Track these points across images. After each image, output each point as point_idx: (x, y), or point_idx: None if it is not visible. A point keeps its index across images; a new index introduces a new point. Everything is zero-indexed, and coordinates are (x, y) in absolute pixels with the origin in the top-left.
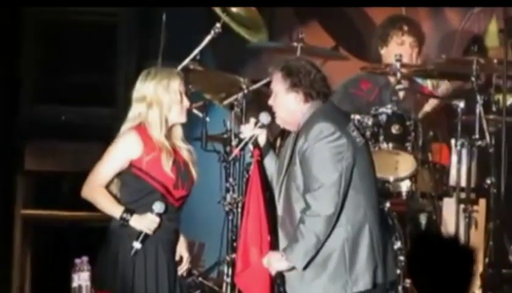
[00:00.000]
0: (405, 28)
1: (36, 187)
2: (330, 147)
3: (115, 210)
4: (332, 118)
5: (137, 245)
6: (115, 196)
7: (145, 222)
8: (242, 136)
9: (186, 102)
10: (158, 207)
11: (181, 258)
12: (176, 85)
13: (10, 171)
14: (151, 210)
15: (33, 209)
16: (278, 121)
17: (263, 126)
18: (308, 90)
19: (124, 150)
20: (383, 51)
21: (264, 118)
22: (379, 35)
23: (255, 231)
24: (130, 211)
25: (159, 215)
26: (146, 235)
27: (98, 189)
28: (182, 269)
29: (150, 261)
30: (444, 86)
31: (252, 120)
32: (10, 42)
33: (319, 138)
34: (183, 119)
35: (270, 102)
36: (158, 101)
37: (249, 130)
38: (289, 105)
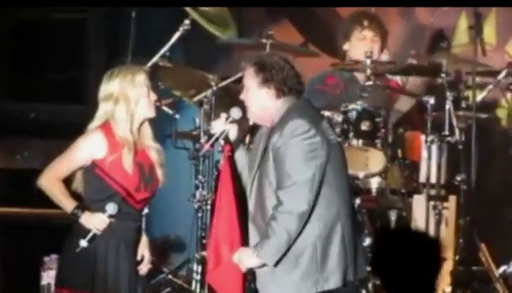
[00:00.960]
0: (366, 23)
1: (5, 185)
2: (305, 144)
3: (67, 204)
4: (307, 115)
5: (83, 243)
6: (74, 193)
7: (95, 221)
8: (212, 131)
9: (153, 96)
10: (111, 208)
11: (143, 257)
12: (141, 78)
13: None
14: (104, 211)
15: (3, 207)
16: (250, 116)
17: (233, 121)
18: (280, 85)
19: (86, 150)
20: (346, 46)
21: (235, 113)
22: (342, 30)
23: (226, 228)
24: (82, 208)
25: (111, 216)
26: (95, 235)
27: (54, 182)
28: (143, 269)
29: (111, 260)
30: (412, 80)
31: (223, 115)
32: None
33: (294, 134)
34: (152, 113)
35: (242, 96)
36: (124, 95)
37: (220, 125)
38: (260, 100)
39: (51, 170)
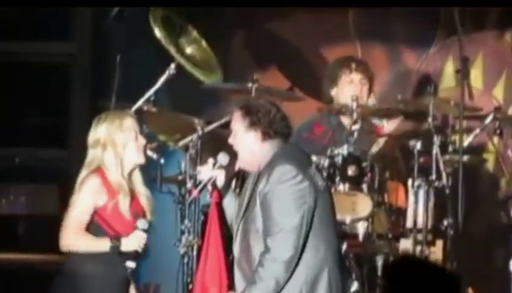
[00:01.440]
0: (353, 65)
1: None
2: (293, 191)
3: (101, 245)
4: (295, 159)
5: (131, 264)
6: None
7: (135, 241)
8: (200, 177)
9: (142, 140)
10: (142, 223)
11: None
12: (128, 123)
13: None
14: (136, 227)
15: None
16: (239, 161)
17: (221, 167)
18: (267, 128)
19: (90, 197)
20: (333, 92)
21: (223, 159)
22: (329, 75)
23: (214, 273)
24: (115, 238)
25: (145, 230)
26: (138, 253)
27: (75, 237)
28: None
29: None
30: (393, 123)
31: (210, 161)
32: None
33: (282, 180)
34: (141, 159)
35: (230, 140)
36: (112, 141)
37: (207, 171)
38: (248, 144)
39: (66, 229)
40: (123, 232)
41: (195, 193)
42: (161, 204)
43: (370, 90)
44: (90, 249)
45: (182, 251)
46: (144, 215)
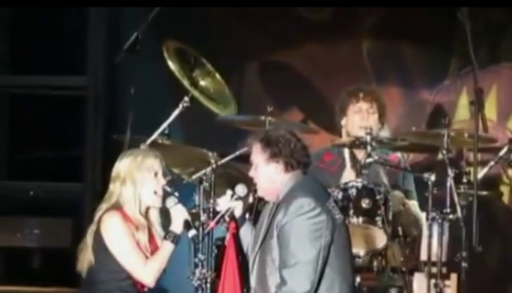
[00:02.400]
0: (361, 95)
1: (4, 263)
2: (310, 223)
3: (165, 249)
4: (313, 192)
5: (192, 232)
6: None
7: (179, 218)
8: (218, 209)
9: (162, 181)
10: (171, 201)
11: None
12: (149, 162)
13: None
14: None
15: (2, 285)
16: (260, 192)
17: (239, 199)
18: (289, 159)
19: (126, 228)
20: (343, 122)
21: (241, 190)
22: (339, 105)
23: None
24: (167, 233)
25: (176, 203)
26: (189, 222)
27: (147, 265)
28: None
29: None
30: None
31: (229, 193)
32: None
33: (299, 213)
34: (156, 203)
35: (251, 173)
36: (131, 177)
37: (225, 202)
38: (270, 175)
39: (138, 268)
40: None
41: (212, 224)
42: None
43: (382, 122)
44: (165, 262)
45: (196, 284)
46: None
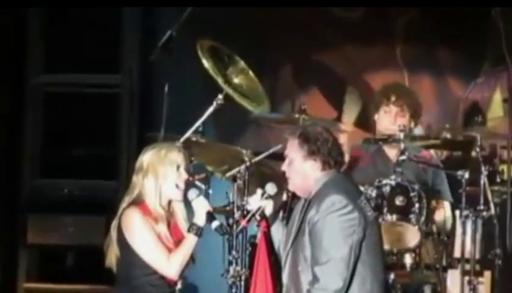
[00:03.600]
0: (393, 98)
1: (39, 261)
2: (342, 220)
3: (188, 241)
4: (345, 190)
5: (216, 223)
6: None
7: (201, 210)
8: (249, 207)
9: (184, 175)
10: (192, 193)
11: None
12: (172, 156)
13: (13, 245)
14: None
15: (36, 283)
16: (291, 187)
17: (269, 197)
18: (327, 158)
19: (144, 225)
20: (375, 117)
21: (271, 189)
22: (373, 101)
23: None
24: (190, 226)
25: (198, 195)
26: (211, 213)
27: (170, 259)
28: None
29: None
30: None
31: (259, 191)
32: (13, 115)
33: (331, 210)
34: (177, 196)
35: (284, 168)
36: (154, 170)
37: (256, 201)
38: (305, 172)
39: (161, 263)
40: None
41: (243, 223)
42: (209, 235)
43: (416, 121)
44: (189, 255)
45: (230, 281)
46: None
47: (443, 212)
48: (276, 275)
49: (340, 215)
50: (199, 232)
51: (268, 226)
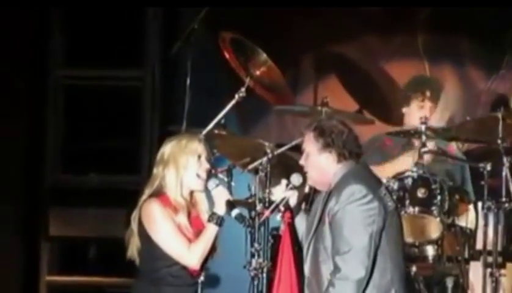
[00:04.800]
0: (428, 93)
1: (60, 253)
2: (362, 210)
3: (209, 230)
4: (364, 180)
5: (236, 211)
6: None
7: (221, 198)
8: (273, 198)
9: (205, 165)
10: (212, 183)
11: None
12: (193, 146)
13: (35, 237)
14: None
15: (58, 275)
16: (310, 181)
17: (294, 188)
18: (341, 150)
19: (164, 216)
20: (404, 109)
21: (296, 179)
22: (403, 94)
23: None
24: (210, 216)
25: (217, 185)
26: (230, 201)
27: (191, 248)
28: None
29: None
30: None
31: (284, 182)
32: (35, 108)
33: (351, 200)
34: (199, 186)
35: (302, 162)
36: (174, 161)
37: (280, 192)
38: (321, 165)
39: (182, 253)
40: None
41: (267, 213)
42: (231, 227)
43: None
44: (209, 245)
45: (252, 274)
46: None
47: (470, 215)
48: (300, 267)
49: (360, 204)
50: (219, 221)
51: (292, 217)
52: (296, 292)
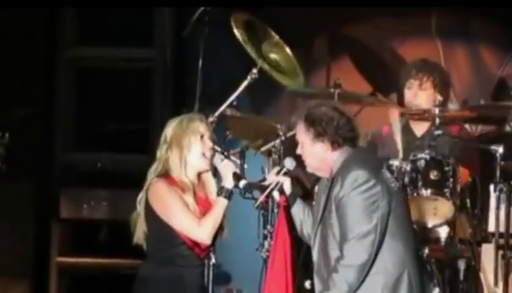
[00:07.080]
0: (413, 72)
1: (71, 235)
2: (365, 197)
3: (219, 205)
4: (366, 163)
5: (243, 182)
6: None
7: (227, 171)
8: (266, 183)
9: (209, 144)
10: (217, 160)
11: None
12: (195, 125)
13: (46, 219)
14: (219, 160)
15: (69, 257)
16: (309, 168)
17: (288, 172)
18: (334, 137)
19: (172, 194)
20: (406, 90)
21: (289, 163)
22: (403, 75)
23: (281, 278)
24: (219, 189)
25: (222, 159)
26: (237, 173)
27: (201, 222)
28: None
29: None
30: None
31: (276, 167)
32: (46, 90)
33: (354, 186)
34: (204, 165)
35: (298, 151)
36: (177, 141)
37: (273, 176)
38: (318, 154)
39: (193, 228)
40: None
41: (261, 198)
42: (244, 209)
43: (447, 97)
44: (219, 219)
45: (264, 255)
46: None
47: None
48: (296, 250)
49: (363, 190)
50: (228, 194)
51: (287, 200)
52: (290, 273)
